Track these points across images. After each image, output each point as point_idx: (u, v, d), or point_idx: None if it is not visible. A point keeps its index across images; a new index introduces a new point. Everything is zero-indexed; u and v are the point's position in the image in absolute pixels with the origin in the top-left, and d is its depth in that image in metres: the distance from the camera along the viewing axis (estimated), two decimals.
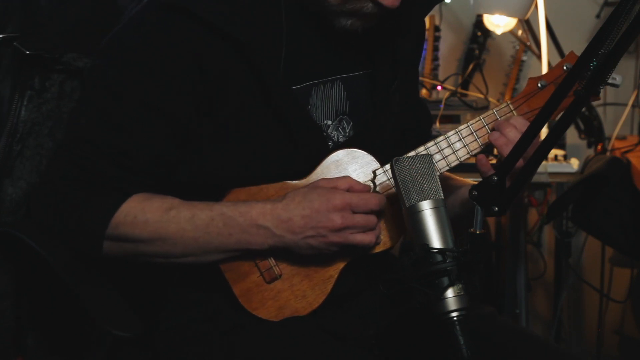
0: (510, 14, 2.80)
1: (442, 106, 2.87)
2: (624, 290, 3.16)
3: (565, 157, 2.79)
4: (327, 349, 1.47)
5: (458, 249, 1.28)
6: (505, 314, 2.93)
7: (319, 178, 1.50)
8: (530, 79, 1.61)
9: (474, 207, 1.33)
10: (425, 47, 3.00)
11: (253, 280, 1.50)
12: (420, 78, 3.02)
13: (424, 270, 1.27)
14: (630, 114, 3.15)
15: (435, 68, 3.12)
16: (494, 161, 1.58)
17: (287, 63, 1.49)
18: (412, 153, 1.52)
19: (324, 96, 1.58)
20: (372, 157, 1.54)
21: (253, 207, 1.45)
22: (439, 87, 3.07)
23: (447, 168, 1.56)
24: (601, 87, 1.41)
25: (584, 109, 2.80)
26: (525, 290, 2.97)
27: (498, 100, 3.08)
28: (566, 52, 2.86)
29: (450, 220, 1.32)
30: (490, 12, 2.84)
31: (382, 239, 1.52)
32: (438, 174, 1.48)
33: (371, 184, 1.52)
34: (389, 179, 1.53)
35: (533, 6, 2.74)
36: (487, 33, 3.13)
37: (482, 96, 3.00)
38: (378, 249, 1.52)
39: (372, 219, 1.46)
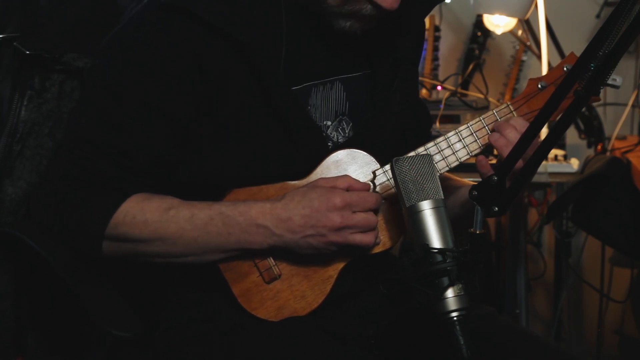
0: (510, 14, 2.80)
1: (442, 106, 2.87)
2: (624, 290, 3.16)
3: (565, 157, 2.79)
4: (326, 349, 1.47)
5: (458, 249, 1.28)
6: (505, 314, 2.93)
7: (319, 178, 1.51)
8: (531, 80, 1.61)
9: (473, 207, 1.34)
10: (425, 47, 3.00)
11: (252, 280, 1.50)
12: (420, 78, 3.02)
13: (424, 270, 1.27)
14: (630, 114, 3.15)
15: (435, 68, 3.12)
16: (494, 161, 1.58)
17: (286, 63, 1.49)
18: (412, 153, 1.52)
19: (323, 97, 1.58)
20: (371, 158, 1.54)
21: (252, 207, 1.45)
22: (439, 87, 3.07)
23: (447, 169, 1.56)
24: (601, 87, 1.41)
25: (584, 109, 2.80)
26: (525, 290, 2.97)
27: (498, 100, 3.08)
28: (566, 52, 2.87)
29: (450, 220, 1.32)
30: (490, 12, 2.84)
31: (382, 239, 1.52)
32: (438, 174, 1.48)
33: (371, 185, 1.52)
34: (388, 180, 1.53)
35: (533, 6, 2.74)
36: (487, 33, 3.13)
37: (482, 96, 3.00)
38: (377, 249, 1.52)
39: (372, 219, 1.46)
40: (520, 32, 3.04)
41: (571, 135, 3.03)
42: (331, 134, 1.59)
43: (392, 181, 1.51)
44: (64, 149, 1.49)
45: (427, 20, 2.97)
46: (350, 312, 1.59)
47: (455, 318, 1.26)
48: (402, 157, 1.36)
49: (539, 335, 1.62)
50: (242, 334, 1.50)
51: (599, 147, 2.94)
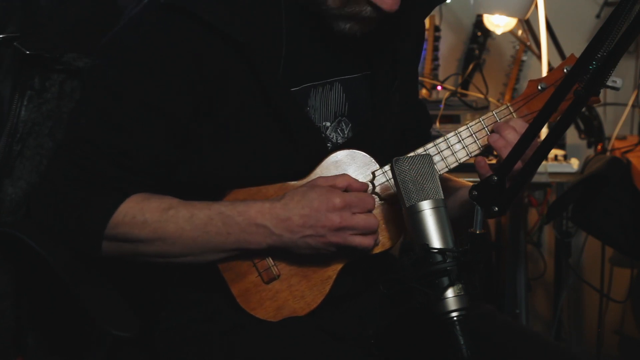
0: (510, 14, 2.80)
1: (442, 106, 2.87)
2: (624, 290, 3.16)
3: (565, 157, 2.79)
4: (326, 349, 1.47)
5: (458, 249, 1.28)
6: (505, 314, 2.93)
7: None
8: (530, 81, 1.61)
9: (473, 208, 1.33)
10: (425, 47, 3.00)
11: (251, 281, 1.50)
12: (420, 78, 3.02)
13: (424, 270, 1.27)
14: (630, 114, 3.15)
15: (435, 68, 3.12)
16: (493, 161, 1.58)
17: (286, 64, 1.49)
18: (411, 154, 1.51)
19: (322, 98, 1.58)
20: (371, 158, 1.54)
21: (251, 206, 1.45)
22: (439, 87, 3.07)
23: (447, 170, 1.56)
24: (601, 89, 1.41)
25: (584, 109, 2.80)
26: (525, 290, 2.97)
27: (498, 100, 3.08)
28: (566, 52, 2.87)
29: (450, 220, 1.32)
30: (490, 12, 2.84)
31: (381, 240, 1.52)
32: (438, 174, 1.48)
33: (370, 185, 1.52)
34: (387, 180, 1.53)
35: (533, 6, 2.74)
36: (487, 33, 3.13)
37: (482, 96, 3.00)
38: (377, 250, 1.51)
39: (373, 221, 1.46)
40: (520, 32, 3.04)
41: (571, 135, 3.03)
42: (330, 134, 1.59)
43: (391, 182, 1.51)
44: (64, 149, 1.49)
45: (427, 21, 2.97)
46: (349, 312, 1.59)
47: (455, 318, 1.26)
48: (402, 157, 1.36)
49: (539, 333, 1.61)
50: (242, 334, 1.50)
51: (599, 147, 2.94)
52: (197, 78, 1.44)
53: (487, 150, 1.58)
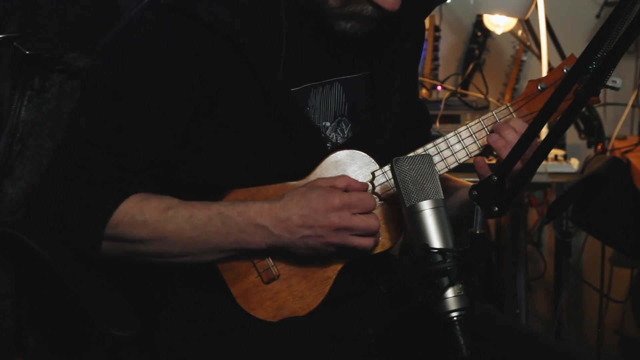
0: (510, 14, 2.80)
1: (442, 106, 2.87)
2: (624, 290, 3.16)
3: (565, 157, 2.79)
4: (326, 349, 1.47)
5: (458, 249, 1.28)
6: (505, 314, 2.93)
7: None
8: (530, 81, 1.61)
9: (472, 208, 1.33)
10: (425, 47, 3.00)
11: (251, 281, 1.50)
12: (420, 78, 3.02)
13: (424, 270, 1.27)
14: (630, 114, 3.15)
15: (435, 68, 3.12)
16: (493, 161, 1.58)
17: (286, 64, 1.49)
18: (411, 154, 1.51)
19: (322, 98, 1.58)
20: (371, 159, 1.54)
21: (251, 207, 1.45)
22: (439, 87, 3.07)
23: (446, 170, 1.56)
24: (601, 88, 1.41)
25: (584, 109, 2.80)
26: (525, 290, 2.97)
27: (498, 100, 3.08)
28: (566, 52, 2.87)
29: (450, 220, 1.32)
30: (490, 12, 2.84)
31: (381, 240, 1.52)
32: (438, 174, 1.48)
33: (370, 185, 1.52)
34: (387, 180, 1.53)
35: (533, 6, 2.74)
36: (487, 33, 3.13)
37: (482, 96, 3.00)
38: (377, 250, 1.51)
39: (373, 223, 1.45)
40: (520, 32, 3.04)
41: (571, 135, 3.03)
42: (330, 135, 1.59)
43: (391, 182, 1.51)
44: (64, 149, 1.49)
45: (427, 21, 2.97)
46: (349, 312, 1.59)
47: (455, 318, 1.26)
48: (402, 157, 1.36)
49: (539, 333, 1.61)
50: (242, 334, 1.50)
51: (599, 147, 2.94)
52: (197, 78, 1.44)
53: (486, 150, 1.58)
